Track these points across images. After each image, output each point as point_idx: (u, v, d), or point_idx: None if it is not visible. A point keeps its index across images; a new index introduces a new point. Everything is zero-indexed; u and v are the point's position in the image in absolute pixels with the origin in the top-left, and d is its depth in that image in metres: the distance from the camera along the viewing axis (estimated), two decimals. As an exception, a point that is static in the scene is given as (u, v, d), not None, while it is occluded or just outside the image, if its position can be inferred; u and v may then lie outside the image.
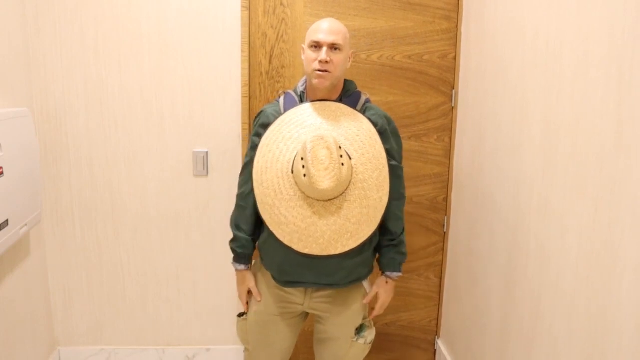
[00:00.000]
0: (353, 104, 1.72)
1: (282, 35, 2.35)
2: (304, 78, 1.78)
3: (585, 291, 1.37)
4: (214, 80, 2.33)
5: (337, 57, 1.64)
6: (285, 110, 1.70)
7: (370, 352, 2.66)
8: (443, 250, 2.59)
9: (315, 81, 1.65)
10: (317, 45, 1.64)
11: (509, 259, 1.86)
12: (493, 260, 2.00)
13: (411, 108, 2.45)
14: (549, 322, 1.55)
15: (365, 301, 1.87)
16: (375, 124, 1.68)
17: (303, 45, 1.72)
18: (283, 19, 2.34)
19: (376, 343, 2.68)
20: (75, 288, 2.49)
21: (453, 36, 2.40)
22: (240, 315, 1.91)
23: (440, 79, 2.43)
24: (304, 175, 1.50)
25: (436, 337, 2.69)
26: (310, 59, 1.65)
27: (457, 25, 2.39)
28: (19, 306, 2.17)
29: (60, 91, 2.31)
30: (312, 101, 1.70)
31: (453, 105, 2.45)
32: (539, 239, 1.62)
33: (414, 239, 2.58)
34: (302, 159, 1.51)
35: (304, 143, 1.53)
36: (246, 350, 1.94)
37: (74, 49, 2.28)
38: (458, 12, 2.38)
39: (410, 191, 2.52)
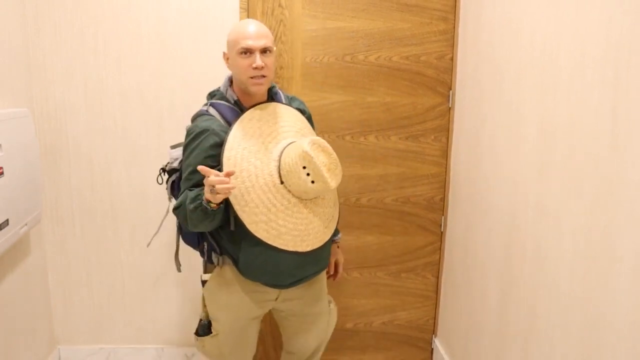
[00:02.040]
0: (280, 100, 1.78)
1: (280, 37, 2.37)
2: (224, 85, 1.74)
3: (581, 291, 1.38)
4: (212, 80, 2.33)
5: (269, 60, 1.63)
6: (229, 122, 1.65)
7: (367, 351, 2.70)
8: (440, 249, 2.61)
9: (253, 88, 1.64)
10: (247, 51, 1.60)
11: (505, 259, 1.87)
12: (490, 260, 2.02)
13: (408, 109, 2.47)
14: (546, 320, 1.57)
15: (337, 274, 2.06)
16: (303, 112, 1.83)
17: (225, 51, 1.70)
18: (281, 20, 2.35)
19: (373, 342, 2.70)
20: (74, 287, 2.50)
21: (450, 37, 2.42)
22: (204, 333, 1.86)
23: (437, 80, 2.45)
24: (312, 182, 1.54)
25: (433, 335, 2.71)
26: (243, 66, 1.61)
27: (454, 27, 2.41)
28: (19, 305, 2.18)
29: (60, 91, 2.32)
30: (250, 107, 1.69)
31: (450, 105, 2.47)
32: (535, 239, 1.64)
33: (411, 239, 2.60)
34: (304, 167, 1.53)
35: (302, 154, 1.53)
36: None
37: (73, 49, 2.29)
38: (455, 14, 2.40)
39: (407, 191, 2.54)
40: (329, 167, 1.56)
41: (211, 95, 1.79)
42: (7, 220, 1.88)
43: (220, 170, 1.55)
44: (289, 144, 1.64)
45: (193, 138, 1.64)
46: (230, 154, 1.58)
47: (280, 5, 2.35)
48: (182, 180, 1.68)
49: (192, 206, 1.55)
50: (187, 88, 2.36)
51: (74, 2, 2.25)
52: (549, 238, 1.55)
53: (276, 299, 1.82)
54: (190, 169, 1.63)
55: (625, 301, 1.20)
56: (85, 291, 2.51)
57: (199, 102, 2.33)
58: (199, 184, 1.58)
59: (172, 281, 2.53)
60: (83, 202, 2.43)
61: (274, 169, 1.60)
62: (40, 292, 2.39)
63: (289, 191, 1.59)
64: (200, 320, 1.90)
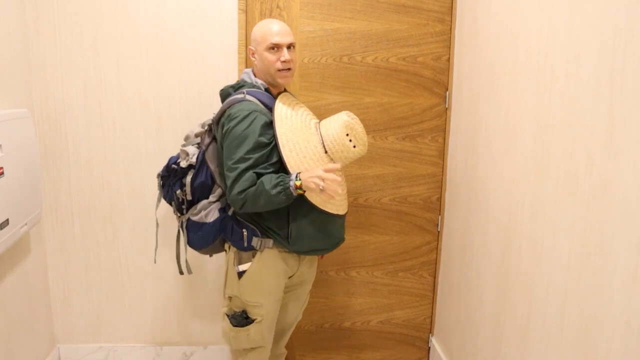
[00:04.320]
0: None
1: (278, 38, 2.38)
2: (249, 77, 1.90)
3: (576, 290, 1.39)
4: (211, 81, 2.36)
5: (293, 55, 1.87)
6: (267, 106, 1.82)
7: (365, 349, 2.72)
8: (437, 249, 2.63)
9: (280, 80, 1.85)
10: (275, 47, 1.81)
11: (501, 258, 1.89)
12: (486, 259, 2.03)
13: (405, 109, 2.48)
14: (541, 319, 1.58)
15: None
16: None
17: (251, 47, 1.89)
18: (279, 22, 2.37)
19: (371, 340, 2.72)
20: (74, 286, 2.52)
21: (447, 38, 2.43)
22: (243, 323, 1.90)
23: (434, 81, 2.47)
24: (354, 146, 1.80)
25: (430, 334, 2.72)
26: (272, 60, 1.82)
27: (450, 28, 2.42)
28: (19, 304, 2.20)
29: (60, 92, 2.34)
30: (277, 95, 1.89)
31: (447, 106, 2.48)
32: (531, 239, 1.65)
33: (408, 238, 2.61)
34: (347, 134, 1.79)
35: (346, 122, 1.79)
36: (255, 350, 1.96)
37: (73, 51, 2.31)
38: (452, 15, 2.41)
39: (404, 191, 2.56)
40: (363, 133, 1.84)
41: (234, 87, 1.89)
42: (7, 220, 1.90)
43: (275, 146, 1.75)
44: (318, 121, 1.91)
45: (242, 120, 1.73)
46: (282, 130, 1.76)
47: (278, 7, 2.37)
48: (234, 161, 1.73)
49: (275, 191, 1.68)
50: (185, 89, 2.37)
51: (74, 3, 2.27)
52: (545, 238, 1.56)
53: (292, 276, 1.97)
54: (247, 148, 1.72)
55: (620, 301, 1.21)
56: (84, 290, 2.53)
57: (197, 103, 2.37)
58: (259, 162, 1.73)
59: (170, 280, 2.54)
60: (82, 202, 2.45)
61: (317, 142, 1.82)
62: (40, 291, 2.41)
63: (331, 159, 1.83)
64: (227, 314, 1.94)
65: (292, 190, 1.68)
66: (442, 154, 2.54)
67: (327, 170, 1.67)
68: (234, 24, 2.33)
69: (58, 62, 2.31)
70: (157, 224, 2.14)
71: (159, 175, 2.01)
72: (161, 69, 2.35)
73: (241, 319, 1.90)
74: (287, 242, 1.85)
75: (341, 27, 2.39)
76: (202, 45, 2.34)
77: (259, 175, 1.73)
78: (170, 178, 1.96)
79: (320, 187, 1.64)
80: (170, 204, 2.00)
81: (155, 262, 2.16)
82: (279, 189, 1.68)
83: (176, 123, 2.39)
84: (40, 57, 2.30)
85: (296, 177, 1.69)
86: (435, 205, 2.59)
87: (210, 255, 2.11)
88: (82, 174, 2.42)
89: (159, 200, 2.04)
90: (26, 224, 2.07)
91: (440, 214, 2.59)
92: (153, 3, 2.30)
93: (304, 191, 1.70)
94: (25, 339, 2.25)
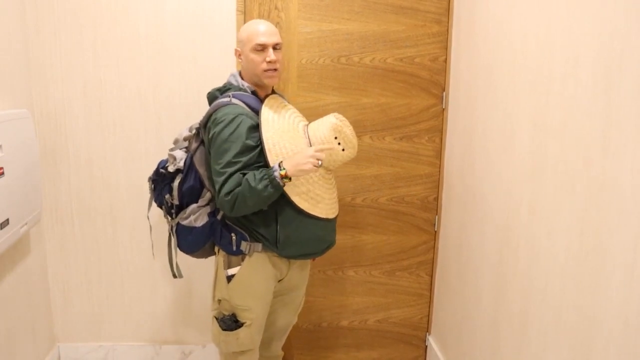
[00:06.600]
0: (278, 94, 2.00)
1: (277, 38, 2.40)
2: (235, 80, 1.88)
3: (574, 289, 1.39)
4: (210, 81, 2.35)
5: (280, 55, 1.84)
6: (254, 109, 1.80)
7: (362, 348, 2.74)
8: (434, 248, 2.65)
9: (266, 81, 1.83)
10: (261, 48, 1.79)
11: (499, 257, 1.89)
12: (483, 259, 2.04)
13: (403, 110, 2.50)
14: (538, 319, 1.58)
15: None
16: None
17: (237, 48, 1.87)
18: (277, 23, 2.38)
19: (368, 339, 2.74)
20: (74, 285, 2.53)
21: (444, 39, 2.45)
22: (232, 327, 1.88)
23: (431, 81, 2.48)
24: (343, 150, 1.79)
25: (427, 333, 2.74)
26: (258, 61, 1.79)
27: (447, 29, 2.44)
28: (20, 303, 2.21)
29: (60, 93, 2.35)
30: (265, 97, 1.87)
31: (444, 107, 2.50)
32: (528, 239, 1.65)
33: (405, 238, 2.63)
34: (335, 137, 1.77)
35: (334, 125, 1.78)
36: (245, 353, 1.94)
37: (73, 51, 2.32)
38: (449, 16, 2.43)
39: (401, 191, 2.58)
40: (353, 135, 1.81)
41: (221, 90, 1.88)
42: (8, 219, 1.91)
43: (262, 150, 1.73)
44: (306, 124, 1.89)
45: (228, 123, 1.72)
46: (268, 134, 1.74)
47: (276, 8, 2.38)
48: (222, 166, 1.72)
49: (261, 185, 1.66)
50: (184, 90, 2.38)
51: (74, 3, 2.28)
52: (542, 238, 1.56)
53: (281, 279, 1.95)
54: (234, 152, 1.71)
55: (617, 300, 1.22)
56: (84, 289, 2.54)
57: (196, 104, 2.38)
58: (248, 164, 1.72)
59: (170, 280, 2.55)
60: (82, 202, 2.46)
61: (305, 144, 1.80)
62: (40, 291, 2.42)
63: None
64: (216, 318, 1.93)
65: (278, 180, 1.66)
66: (439, 154, 2.56)
67: (316, 151, 1.70)
68: (232, 24, 2.35)
69: (58, 62, 2.32)
70: (150, 227, 2.15)
71: (149, 179, 2.00)
72: (161, 69, 2.36)
73: (230, 322, 1.89)
74: (275, 247, 1.83)
75: (339, 28, 2.41)
76: (201, 45, 2.36)
77: None
78: (160, 182, 1.95)
79: (319, 164, 1.68)
80: (161, 208, 1.99)
81: (153, 256, 2.17)
82: (264, 182, 1.66)
83: (176, 123, 2.40)
84: (40, 57, 2.31)
85: (279, 166, 1.67)
86: (432, 205, 2.61)
87: (207, 257, 2.09)
88: (82, 173, 2.43)
89: (150, 204, 2.03)
90: (26, 223, 2.08)
91: (437, 214, 2.61)
92: (153, 3, 2.31)
93: (290, 179, 1.68)
94: (25, 338, 2.26)
